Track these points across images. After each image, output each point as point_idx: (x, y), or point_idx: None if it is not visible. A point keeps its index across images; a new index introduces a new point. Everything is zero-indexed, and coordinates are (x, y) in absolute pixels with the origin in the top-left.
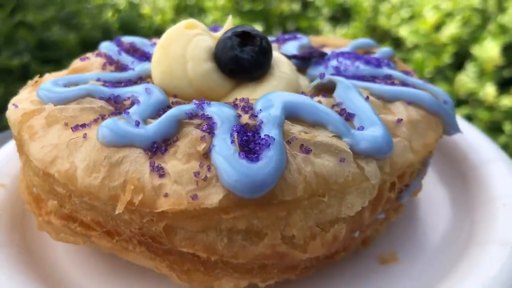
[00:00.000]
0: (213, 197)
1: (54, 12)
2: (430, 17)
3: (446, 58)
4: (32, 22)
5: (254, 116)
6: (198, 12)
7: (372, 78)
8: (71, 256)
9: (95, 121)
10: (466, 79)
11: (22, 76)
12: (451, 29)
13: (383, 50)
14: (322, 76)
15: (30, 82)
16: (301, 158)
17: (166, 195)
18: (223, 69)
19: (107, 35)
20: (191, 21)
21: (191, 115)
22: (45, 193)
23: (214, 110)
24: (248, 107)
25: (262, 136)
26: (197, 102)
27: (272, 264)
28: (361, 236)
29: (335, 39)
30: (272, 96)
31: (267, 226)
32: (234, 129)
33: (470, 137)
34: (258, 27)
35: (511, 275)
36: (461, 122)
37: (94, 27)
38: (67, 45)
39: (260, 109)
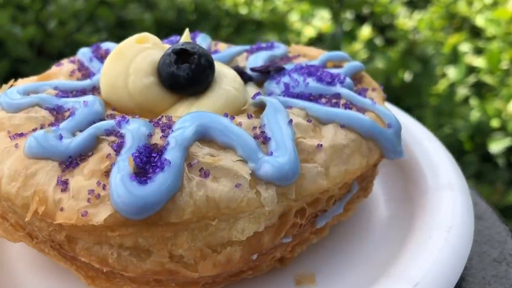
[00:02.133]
0: (100, 215)
1: None
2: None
3: None
4: (112, 1)
5: (165, 136)
6: None
7: (318, 97)
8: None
9: (34, 130)
10: None
11: None
12: None
13: (352, 65)
14: (254, 96)
15: (4, 86)
16: (196, 182)
17: (61, 209)
18: (163, 84)
19: (182, 16)
20: (143, 35)
21: (109, 132)
22: None
23: (129, 128)
24: (167, 126)
25: (165, 157)
26: (119, 118)
27: (168, 279)
28: (269, 257)
29: (313, 50)
30: (189, 116)
31: (153, 245)
32: (137, 149)
33: (434, 157)
34: (325, 14)
35: None
36: (431, 142)
37: (169, 8)
38: (142, 25)
39: (172, 130)
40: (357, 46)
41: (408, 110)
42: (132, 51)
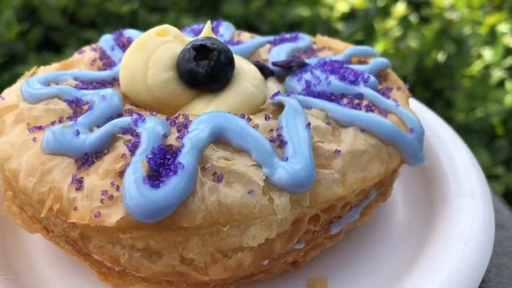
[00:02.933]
0: (113, 216)
1: None
2: None
3: None
4: None
5: (180, 137)
6: None
7: (340, 96)
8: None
9: (52, 123)
10: None
11: (130, 23)
12: None
13: (377, 61)
14: (273, 96)
15: (27, 73)
16: (208, 187)
17: (75, 208)
18: (182, 80)
19: None
20: (164, 27)
21: (125, 130)
22: (5, 183)
23: (145, 127)
24: (183, 126)
25: (178, 159)
26: (135, 116)
27: (179, 280)
28: (280, 261)
29: (339, 43)
30: (206, 116)
31: (164, 248)
32: (151, 150)
33: (458, 162)
34: None
35: None
36: (456, 145)
37: None
38: None
39: (188, 131)
40: (391, 23)
41: (439, 92)
42: (152, 44)
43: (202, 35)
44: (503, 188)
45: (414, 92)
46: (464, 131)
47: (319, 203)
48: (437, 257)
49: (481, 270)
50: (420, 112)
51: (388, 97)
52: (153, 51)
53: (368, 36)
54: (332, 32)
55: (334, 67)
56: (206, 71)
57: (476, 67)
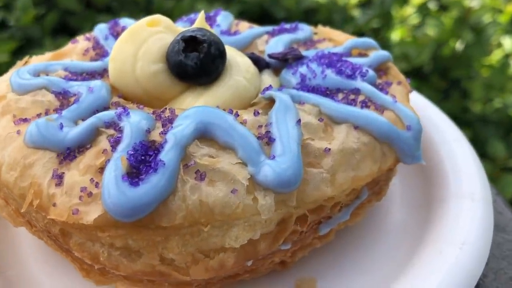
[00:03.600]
0: (91, 214)
1: None
2: None
3: None
4: None
5: (164, 133)
6: None
7: (336, 91)
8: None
9: (38, 116)
10: None
11: (146, 9)
12: None
13: (378, 54)
14: (264, 90)
15: (19, 63)
16: (190, 185)
17: (54, 205)
18: (171, 72)
19: None
20: (155, 17)
21: (108, 124)
22: None
23: (129, 121)
24: (169, 120)
25: (160, 156)
26: (120, 110)
27: (160, 279)
28: (266, 261)
29: (341, 35)
30: (191, 112)
31: (144, 248)
32: (133, 146)
33: (460, 161)
34: None
35: None
36: (459, 143)
37: None
38: None
39: (172, 127)
40: (409, 10)
41: (456, 82)
42: (142, 34)
43: (195, 26)
44: None
45: (430, 81)
46: (481, 122)
47: (306, 203)
48: (430, 262)
49: (475, 277)
50: (424, 108)
51: (387, 92)
52: (143, 41)
53: (385, 24)
54: (348, 20)
55: (331, 61)
56: (195, 64)
57: (495, 57)
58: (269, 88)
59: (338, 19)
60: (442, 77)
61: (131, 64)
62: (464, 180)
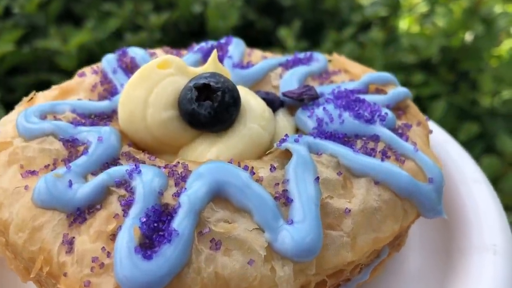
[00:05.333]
0: (103, 287)
1: None
2: None
3: None
4: None
5: (177, 194)
6: None
7: (354, 137)
8: None
9: (46, 167)
10: None
11: None
12: None
13: (397, 91)
14: (279, 143)
15: (24, 99)
16: (205, 256)
17: (65, 274)
18: (184, 119)
19: None
20: (166, 59)
21: (119, 183)
22: None
23: (141, 180)
24: (182, 178)
25: (173, 225)
26: (131, 167)
27: None
28: None
29: (356, 67)
30: (204, 169)
31: None
32: (145, 212)
33: (481, 209)
34: None
35: None
36: (480, 185)
37: None
38: None
39: (185, 188)
40: None
41: (465, 74)
42: (153, 78)
43: (207, 66)
44: None
45: (438, 73)
46: (489, 115)
47: (326, 269)
48: None
49: None
50: (443, 143)
51: (407, 138)
52: (154, 85)
53: (392, 12)
54: (355, 8)
55: (348, 101)
56: (208, 113)
57: (504, 46)
58: (285, 139)
59: (346, 7)
60: (451, 69)
61: (141, 111)
62: (486, 230)
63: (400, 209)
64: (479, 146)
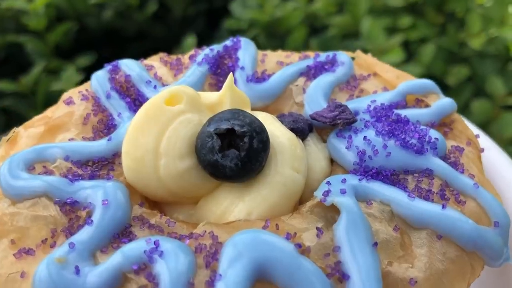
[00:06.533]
0: None
1: None
2: None
3: None
4: None
5: (210, 284)
6: None
7: (404, 174)
8: None
9: (43, 242)
10: None
11: None
12: None
13: (441, 104)
14: (323, 197)
15: (3, 139)
16: None
17: None
18: (204, 169)
19: None
20: (176, 91)
21: (138, 269)
22: None
23: (165, 266)
24: (213, 255)
25: None
26: (150, 245)
27: None
28: None
29: (384, 67)
30: (239, 243)
31: None
32: None
33: None
34: None
35: None
36: None
37: None
38: None
39: (220, 275)
40: None
41: (452, 15)
42: (161, 119)
43: (223, 93)
44: None
45: (425, 16)
46: (478, 57)
47: None
48: None
49: None
50: (487, 150)
51: (463, 170)
52: (164, 129)
53: None
54: None
55: (391, 124)
56: (235, 165)
57: None
58: (329, 189)
59: None
60: (439, 11)
61: (152, 161)
62: None
63: (468, 267)
64: (469, 89)
